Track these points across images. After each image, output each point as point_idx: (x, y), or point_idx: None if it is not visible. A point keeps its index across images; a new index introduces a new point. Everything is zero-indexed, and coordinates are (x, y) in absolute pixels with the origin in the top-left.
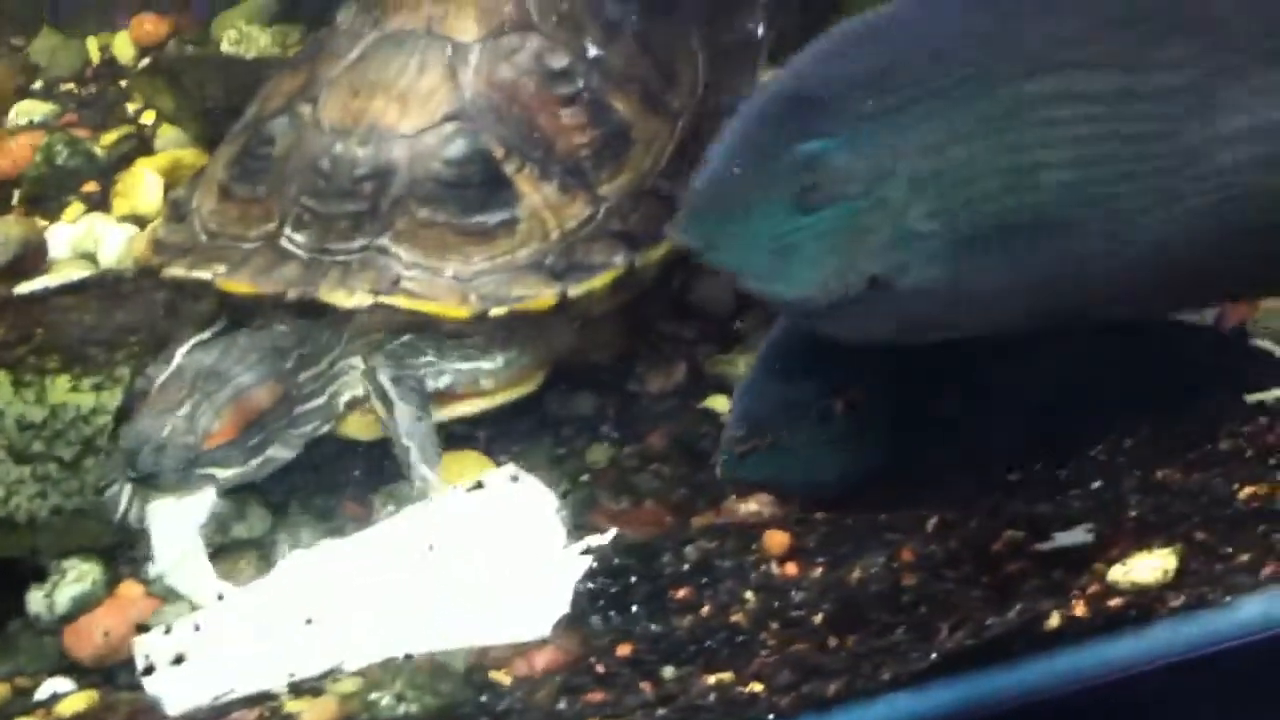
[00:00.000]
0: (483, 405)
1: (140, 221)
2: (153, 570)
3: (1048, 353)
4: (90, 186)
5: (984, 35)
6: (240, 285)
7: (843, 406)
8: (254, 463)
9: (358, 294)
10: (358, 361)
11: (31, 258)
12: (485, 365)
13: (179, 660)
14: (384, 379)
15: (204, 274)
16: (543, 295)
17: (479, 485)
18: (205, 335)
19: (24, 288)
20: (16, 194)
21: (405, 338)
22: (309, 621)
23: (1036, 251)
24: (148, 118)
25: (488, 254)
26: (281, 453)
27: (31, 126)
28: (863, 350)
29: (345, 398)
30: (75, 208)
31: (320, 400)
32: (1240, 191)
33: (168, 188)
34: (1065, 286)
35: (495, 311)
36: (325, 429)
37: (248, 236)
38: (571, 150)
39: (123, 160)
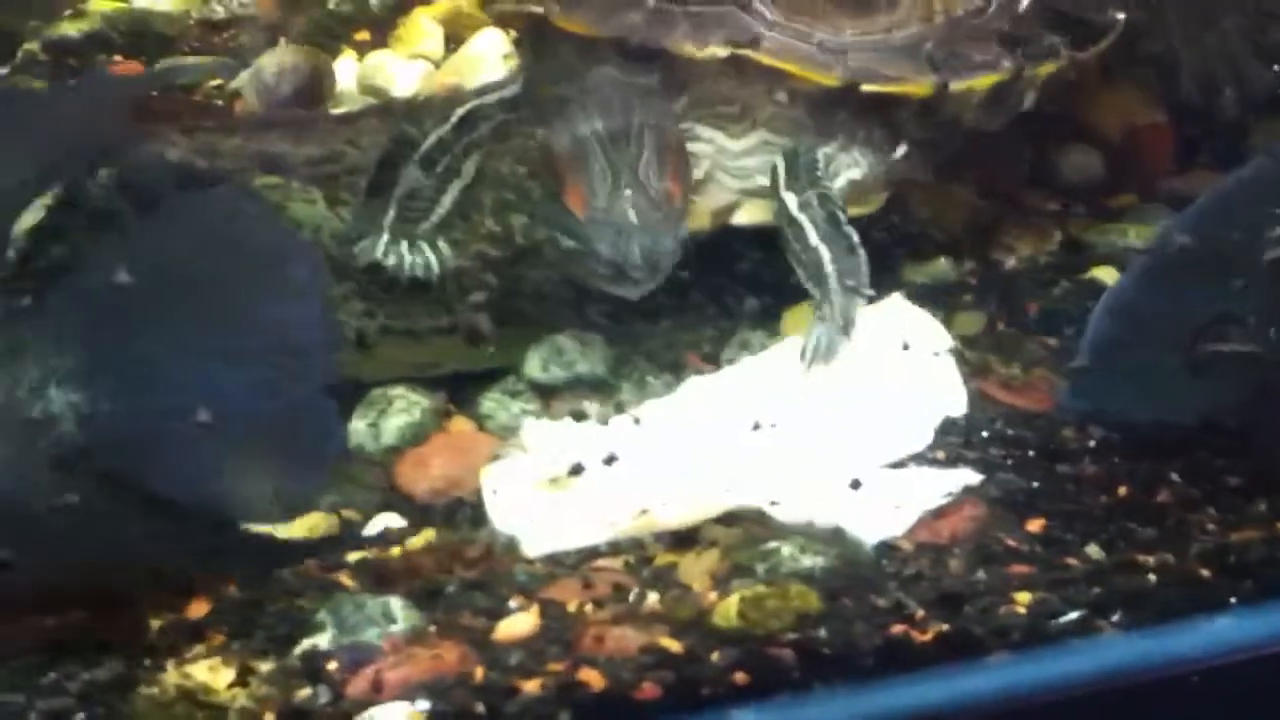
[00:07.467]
0: None
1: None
2: None
3: None
4: (362, 35)
5: None
6: (576, 25)
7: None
8: None
9: (711, 46)
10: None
11: (320, 87)
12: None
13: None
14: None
15: (535, 7)
16: (919, 82)
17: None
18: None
19: None
20: (283, 41)
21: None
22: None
23: None
24: None
25: (862, 27)
26: None
27: None
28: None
29: None
30: (346, 54)
31: None
32: None
33: (448, 37)
34: None
35: (867, 87)
36: None
37: None
38: None
39: (396, 10)
